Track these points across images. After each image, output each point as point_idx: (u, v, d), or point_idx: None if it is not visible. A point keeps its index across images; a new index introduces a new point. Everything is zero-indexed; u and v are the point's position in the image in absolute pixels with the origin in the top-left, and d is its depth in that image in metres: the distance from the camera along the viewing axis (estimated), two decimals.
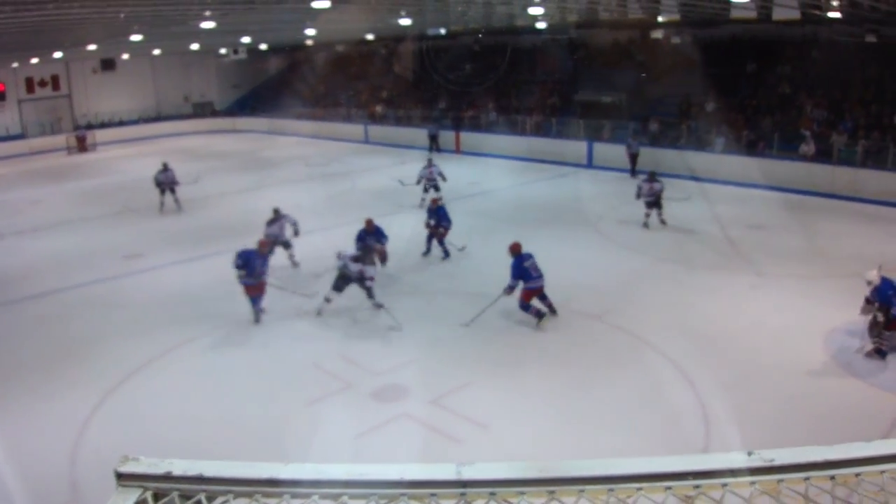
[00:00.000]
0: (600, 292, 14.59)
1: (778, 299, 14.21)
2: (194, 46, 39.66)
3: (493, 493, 1.56)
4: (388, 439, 9.32)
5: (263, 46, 44.53)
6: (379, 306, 13.09)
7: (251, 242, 13.60)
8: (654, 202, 19.12)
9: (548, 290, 13.06)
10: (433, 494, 1.57)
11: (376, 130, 39.51)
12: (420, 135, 35.89)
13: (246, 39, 36.87)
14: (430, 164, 22.82)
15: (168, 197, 22.84)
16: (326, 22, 29.35)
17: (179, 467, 1.65)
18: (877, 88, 26.43)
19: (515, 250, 12.93)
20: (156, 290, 15.53)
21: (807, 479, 1.53)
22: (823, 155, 24.59)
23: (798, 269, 15.87)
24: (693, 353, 11.57)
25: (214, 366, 11.58)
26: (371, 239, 15.23)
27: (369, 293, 13.13)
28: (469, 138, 34.76)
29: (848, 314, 12.79)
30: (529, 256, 12.88)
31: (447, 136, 35.19)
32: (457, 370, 11.13)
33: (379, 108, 41.06)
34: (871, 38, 25.88)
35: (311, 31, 34.90)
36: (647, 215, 19.19)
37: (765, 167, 24.99)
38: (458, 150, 34.41)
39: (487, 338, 12.38)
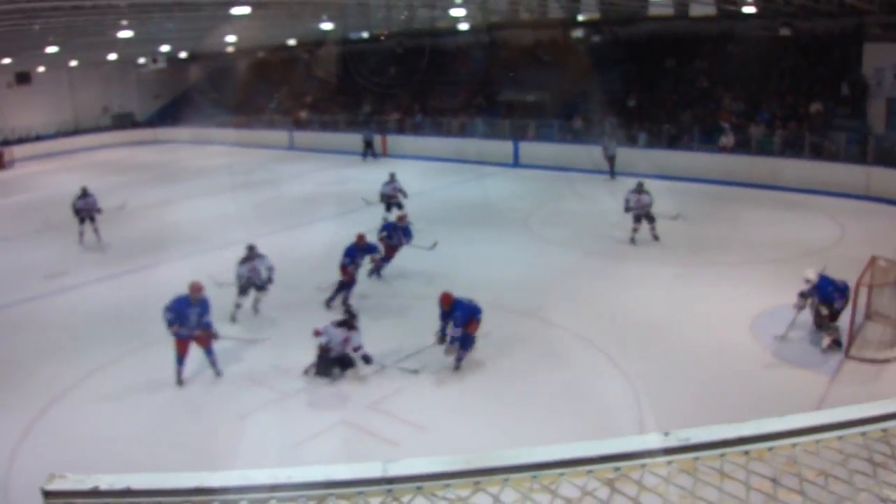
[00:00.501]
0: (532, 289, 14.73)
1: (703, 287, 14.56)
2: (112, 57, 38.83)
3: (419, 488, 1.57)
4: (327, 447, 9.22)
5: (183, 55, 43.81)
6: (383, 366, 11.23)
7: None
8: (644, 215, 17.37)
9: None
10: (360, 493, 1.56)
11: (301, 136, 39.21)
12: (346, 139, 35.75)
13: (165, 48, 36.29)
14: (392, 179, 20.84)
15: (88, 226, 19.85)
16: (247, 28, 29.09)
17: (106, 482, 1.61)
18: (792, 80, 27.24)
19: (446, 302, 11.24)
20: (81, 308, 15.11)
21: (722, 455, 1.57)
22: (742, 146, 25.30)
23: (721, 258, 16.27)
24: (624, 344, 11.80)
25: (144, 382, 11.29)
26: (360, 256, 14.21)
27: (366, 360, 11.00)
28: (395, 141, 34.75)
29: (771, 299, 13.22)
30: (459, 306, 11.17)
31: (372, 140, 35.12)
32: (393, 373, 11.08)
33: (303, 114, 40.76)
34: (785, 32, 26.67)
35: (231, 38, 34.51)
36: (635, 230, 17.41)
37: (686, 160, 25.64)
38: (384, 154, 34.35)
39: (423, 340, 12.36)
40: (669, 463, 1.56)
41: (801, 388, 10.22)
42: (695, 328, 12.52)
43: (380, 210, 20.28)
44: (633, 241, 17.45)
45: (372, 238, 15.06)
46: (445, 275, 15.25)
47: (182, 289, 11.09)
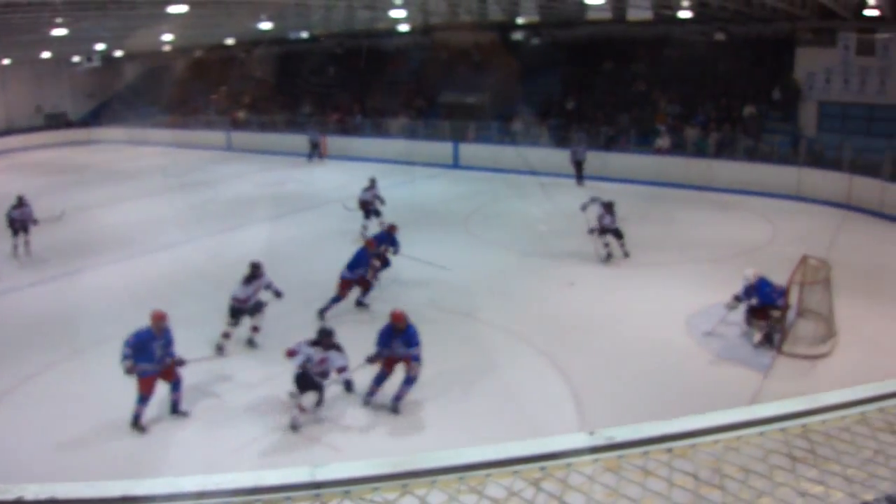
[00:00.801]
0: (471, 290, 14.77)
1: (640, 287, 14.76)
2: (46, 55, 37.96)
3: (347, 492, 1.56)
4: (265, 453, 9.11)
5: (119, 53, 42.99)
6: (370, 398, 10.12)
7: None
8: (611, 231, 16.39)
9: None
10: (288, 498, 1.55)
11: (239, 137, 38.71)
12: (285, 140, 35.45)
13: (100, 46, 35.53)
14: (371, 185, 19.63)
15: (21, 238, 18.43)
16: (184, 27, 28.66)
17: (31, 491, 1.57)
18: (726, 84, 27.77)
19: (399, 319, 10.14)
20: (12, 314, 14.70)
21: (645, 453, 1.59)
22: (678, 148, 25.72)
23: (658, 258, 16.51)
24: (562, 343, 11.91)
25: (78, 390, 10.98)
26: (362, 267, 13.58)
27: (347, 387, 10.32)
28: (335, 142, 34.52)
29: (705, 298, 13.47)
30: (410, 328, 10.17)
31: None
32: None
33: (241, 114, 40.26)
34: (720, 37, 27.24)
35: (168, 37, 33.96)
36: (606, 245, 16.38)
37: (623, 162, 25.99)
38: (324, 155, 34.13)
39: (362, 343, 12.27)
40: (594, 461, 1.58)
41: (736, 384, 10.42)
42: (631, 327, 12.68)
43: (331, 215, 20.06)
44: (609, 256, 16.40)
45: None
46: (384, 277, 15.21)
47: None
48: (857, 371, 10.33)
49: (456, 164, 30.17)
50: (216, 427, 9.71)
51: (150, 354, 9.49)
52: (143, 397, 9.59)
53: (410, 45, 37.55)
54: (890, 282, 14.56)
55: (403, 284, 14.93)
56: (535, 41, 32.57)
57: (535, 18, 30.55)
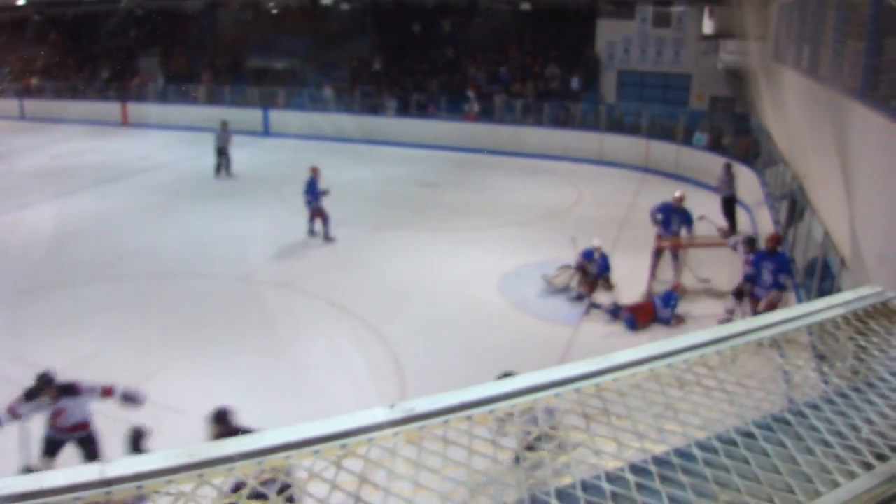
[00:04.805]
0: (286, 260, 14.58)
1: (454, 251, 15.04)
2: None
3: (139, 487, 1.47)
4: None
5: None
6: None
7: None
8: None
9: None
10: (77, 499, 1.44)
11: (33, 105, 35.98)
12: (85, 108, 33.36)
13: None
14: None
15: None
16: None
17: None
18: (531, 52, 28.61)
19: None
20: None
21: (446, 422, 1.59)
22: (486, 115, 26.24)
23: (470, 222, 16.88)
24: (381, 310, 11.97)
25: None
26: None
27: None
28: (137, 109, 32.85)
29: (516, 259, 13.91)
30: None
31: (112, 108, 33.03)
32: (146, 357, 10.50)
33: (34, 80, 37.50)
34: (525, 6, 28.00)
35: None
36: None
37: (434, 128, 26.29)
38: (125, 123, 32.45)
39: (175, 319, 11.86)
40: (395, 435, 1.56)
41: (548, 340, 10.85)
42: (448, 290, 12.93)
43: (136, 186, 19.14)
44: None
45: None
46: (196, 252, 14.76)
47: None
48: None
49: (266, 132, 29.49)
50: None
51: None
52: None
53: (217, 7, 36.22)
54: None
55: (221, 260, 14.49)
56: (345, 6, 32.26)
57: None
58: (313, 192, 15.68)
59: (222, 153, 22.29)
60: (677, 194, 13.57)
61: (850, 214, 7.64)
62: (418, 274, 13.84)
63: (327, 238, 15.74)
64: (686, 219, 13.31)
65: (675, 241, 13.09)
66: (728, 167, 16.65)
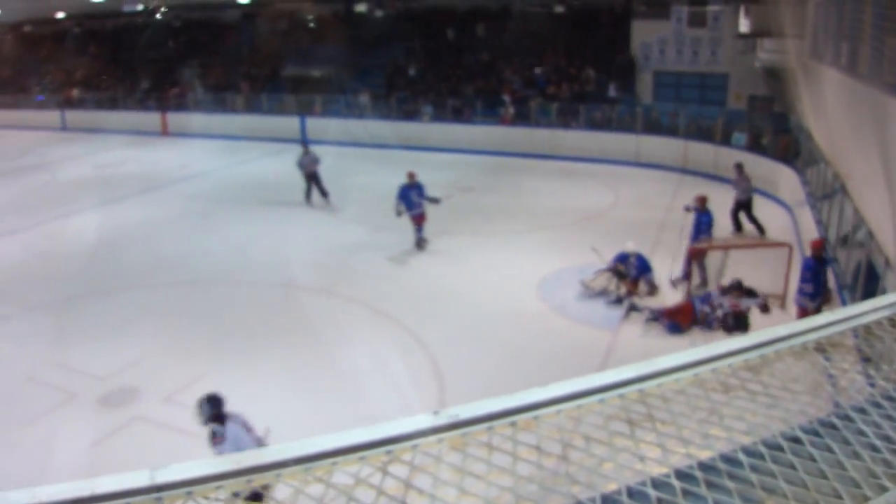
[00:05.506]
0: (326, 266, 14.64)
1: (492, 255, 15.02)
2: None
3: (189, 493, 1.49)
4: (124, 446, 8.73)
5: None
6: None
7: None
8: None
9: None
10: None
11: (75, 116, 36.60)
12: (125, 118, 33.93)
13: None
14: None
15: None
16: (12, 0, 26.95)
17: None
18: (567, 54, 28.50)
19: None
20: None
21: (489, 429, 1.60)
22: (522, 118, 26.19)
23: (507, 226, 16.85)
24: (420, 315, 12.01)
25: None
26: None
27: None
28: (176, 119, 33.30)
29: (554, 263, 13.86)
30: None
31: (152, 118, 33.49)
32: (188, 363, 10.65)
33: (75, 92, 38.13)
34: (559, 9, 27.94)
35: None
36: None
37: (470, 133, 26.31)
38: (165, 133, 32.89)
39: (216, 325, 12.00)
40: (440, 441, 1.57)
41: (587, 345, 10.80)
42: (487, 294, 12.91)
43: (176, 195, 19.39)
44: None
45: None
46: (237, 259, 14.93)
47: None
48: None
49: (304, 140, 29.68)
50: (66, 425, 9.26)
51: None
52: None
53: (252, 17, 36.61)
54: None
55: (261, 266, 14.64)
56: (380, 13, 32.43)
57: None
58: (407, 199, 15.25)
59: (312, 179, 19.71)
60: (699, 195, 13.44)
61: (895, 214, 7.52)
62: (457, 279, 13.84)
63: (420, 243, 15.54)
64: (707, 220, 13.16)
65: (709, 244, 12.96)
66: (740, 167, 16.20)
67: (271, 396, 9.69)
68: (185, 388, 9.94)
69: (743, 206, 15.92)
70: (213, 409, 6.95)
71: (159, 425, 9.17)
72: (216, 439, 6.92)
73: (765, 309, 11.48)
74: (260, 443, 6.87)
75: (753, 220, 15.86)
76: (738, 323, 11.16)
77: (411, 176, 15.39)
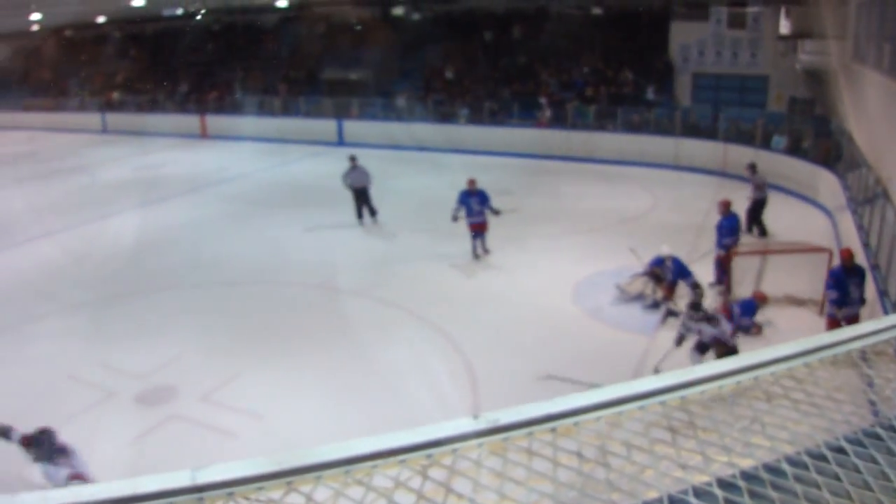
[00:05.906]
0: (362, 268, 14.69)
1: (528, 259, 14.97)
2: None
3: (231, 493, 1.51)
4: (160, 444, 8.83)
5: None
6: None
7: None
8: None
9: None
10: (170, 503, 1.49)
11: (115, 119, 37.20)
12: (164, 121, 34.39)
13: None
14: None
15: None
16: (52, 4, 27.40)
17: None
18: (604, 57, 28.38)
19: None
20: None
21: (530, 434, 1.60)
22: (559, 121, 26.11)
23: (544, 229, 16.79)
24: (455, 318, 11.99)
25: None
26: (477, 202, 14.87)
27: None
28: (215, 121, 33.66)
29: (590, 267, 13.80)
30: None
31: (191, 121, 33.86)
32: (225, 362, 10.75)
33: (115, 95, 38.70)
34: (596, 11, 27.81)
35: (36, 16, 32.41)
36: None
37: (507, 135, 26.29)
38: (204, 135, 33.25)
39: (253, 326, 12.10)
40: (480, 446, 1.57)
41: (623, 350, 10.72)
42: (522, 298, 12.86)
43: (214, 197, 19.60)
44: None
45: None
46: (274, 260, 15.04)
47: None
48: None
49: (341, 142, 29.87)
50: (104, 423, 9.39)
51: None
52: None
53: (290, 20, 36.88)
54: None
55: (298, 267, 14.74)
56: (417, 16, 32.51)
57: None
58: (467, 206, 14.88)
59: (360, 196, 18.03)
60: (723, 200, 13.24)
61: None
62: (492, 282, 13.82)
63: (482, 252, 15.23)
64: (728, 225, 12.99)
65: (734, 250, 12.79)
66: (753, 167, 16.05)
67: (307, 396, 9.77)
68: (222, 387, 10.05)
69: (759, 205, 15.85)
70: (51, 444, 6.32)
71: (196, 423, 9.27)
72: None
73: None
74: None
75: (759, 222, 15.80)
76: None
77: (471, 183, 14.99)
